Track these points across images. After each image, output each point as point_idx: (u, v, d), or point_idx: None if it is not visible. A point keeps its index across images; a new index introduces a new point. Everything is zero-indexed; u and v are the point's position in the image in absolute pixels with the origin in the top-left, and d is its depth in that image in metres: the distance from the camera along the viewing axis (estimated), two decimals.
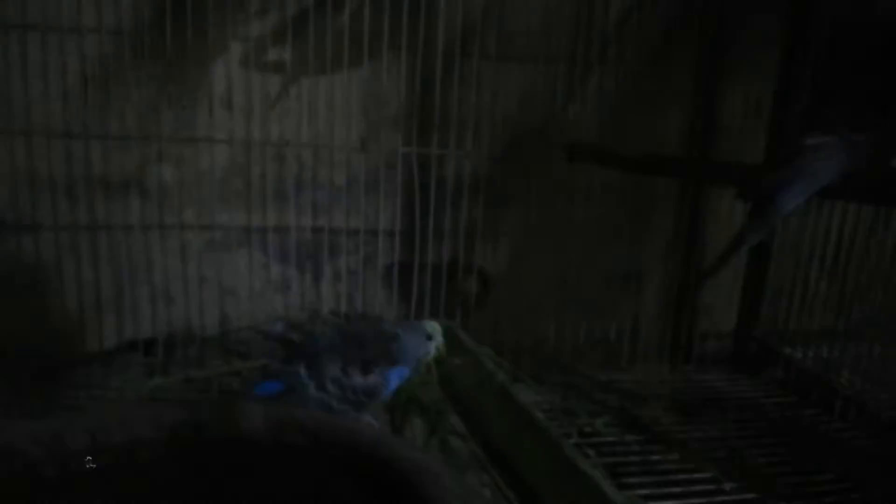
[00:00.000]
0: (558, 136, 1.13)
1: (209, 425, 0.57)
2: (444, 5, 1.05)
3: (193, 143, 1.04)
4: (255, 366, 0.98)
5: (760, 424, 0.93)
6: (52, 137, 0.97)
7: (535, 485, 0.71)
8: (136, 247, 1.06)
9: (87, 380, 0.96)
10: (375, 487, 0.50)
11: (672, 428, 0.91)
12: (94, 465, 0.54)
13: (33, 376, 0.94)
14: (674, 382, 1.09)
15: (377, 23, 1.03)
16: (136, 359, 1.05)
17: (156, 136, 1.02)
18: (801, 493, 0.77)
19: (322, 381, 0.72)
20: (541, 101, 1.14)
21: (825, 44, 0.98)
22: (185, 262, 1.09)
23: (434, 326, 0.83)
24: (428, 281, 1.13)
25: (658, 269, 1.23)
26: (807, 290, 1.10)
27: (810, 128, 0.66)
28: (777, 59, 1.11)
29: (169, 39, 0.98)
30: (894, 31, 0.67)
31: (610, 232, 1.18)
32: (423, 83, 1.08)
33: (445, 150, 1.10)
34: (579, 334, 1.18)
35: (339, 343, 0.77)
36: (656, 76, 1.15)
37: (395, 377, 0.76)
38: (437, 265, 1.15)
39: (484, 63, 1.09)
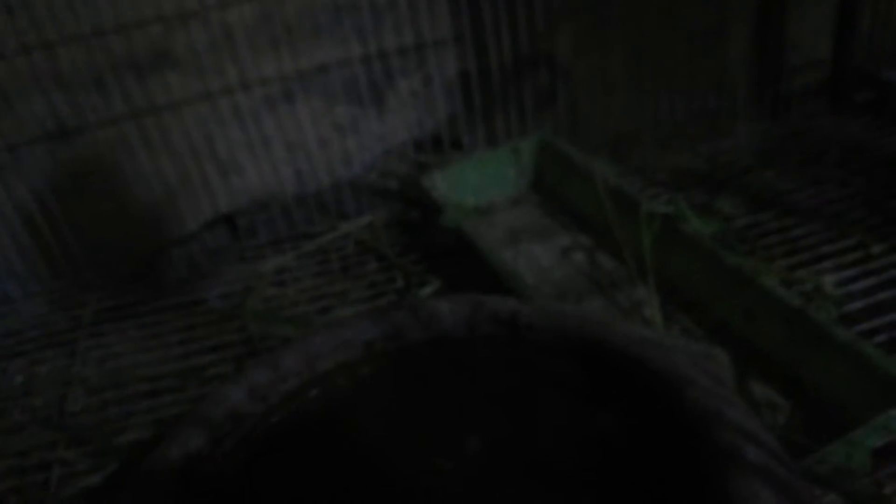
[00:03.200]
0: None
1: (404, 334, 0.57)
2: None
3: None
4: (364, 223, 0.96)
5: (888, 170, 0.91)
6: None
7: (699, 298, 0.72)
8: (188, 123, 0.98)
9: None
10: (595, 370, 0.50)
11: (798, 194, 0.89)
12: (311, 395, 0.55)
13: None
14: (780, 138, 1.05)
15: None
16: (225, 240, 1.05)
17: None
18: None
19: None
20: None
21: None
22: (243, 128, 1.01)
23: None
24: (497, 86, 1.05)
25: (740, 15, 1.11)
26: None
27: None
28: None
29: None
30: None
31: None
32: None
33: None
34: (670, 109, 1.11)
35: None
36: None
37: None
38: (502, 67, 1.05)
39: None
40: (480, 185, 0.96)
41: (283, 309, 0.84)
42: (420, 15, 1.00)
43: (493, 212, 0.95)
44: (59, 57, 0.88)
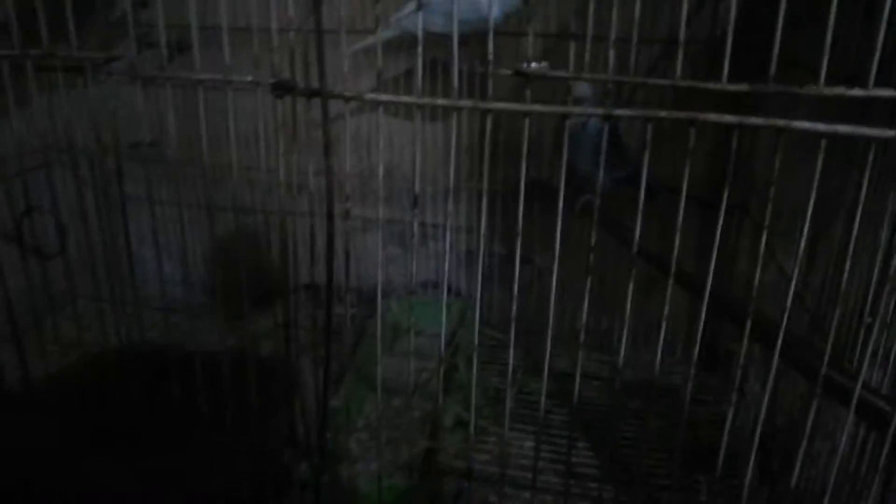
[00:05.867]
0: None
1: None
2: None
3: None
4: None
5: None
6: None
7: None
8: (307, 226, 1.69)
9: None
10: None
11: None
12: None
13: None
14: None
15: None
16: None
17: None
18: None
19: None
20: None
21: None
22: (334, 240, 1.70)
23: None
24: (489, 267, 1.62)
25: None
26: None
27: None
28: None
29: None
30: None
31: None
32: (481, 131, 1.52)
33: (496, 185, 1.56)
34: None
35: None
36: None
37: None
38: (492, 254, 1.62)
39: None
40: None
41: None
42: (455, 209, 1.62)
43: None
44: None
